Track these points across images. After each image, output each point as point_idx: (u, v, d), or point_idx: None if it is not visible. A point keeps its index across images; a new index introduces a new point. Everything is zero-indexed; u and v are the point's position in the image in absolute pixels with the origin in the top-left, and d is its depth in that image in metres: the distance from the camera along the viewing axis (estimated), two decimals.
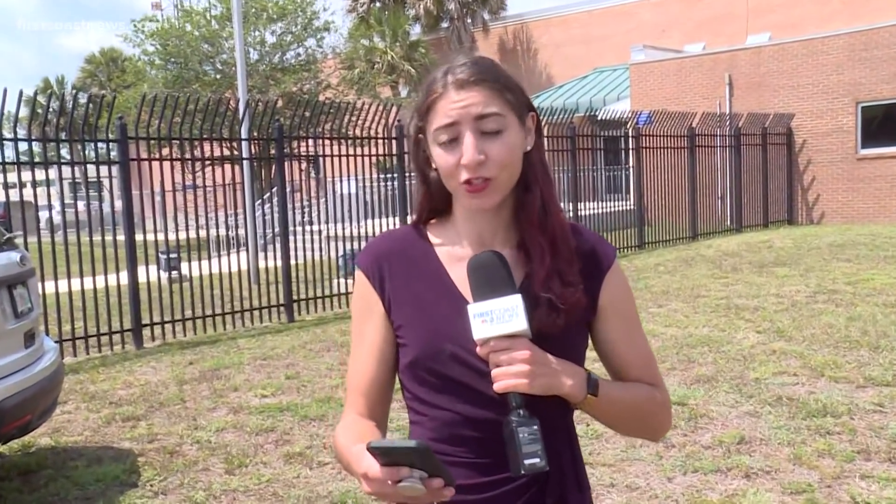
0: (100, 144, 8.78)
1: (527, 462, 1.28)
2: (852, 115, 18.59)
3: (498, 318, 1.32)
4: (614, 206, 16.66)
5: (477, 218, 1.47)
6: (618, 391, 1.46)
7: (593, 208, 15.16)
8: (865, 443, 4.57)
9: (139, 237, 9.02)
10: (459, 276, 1.45)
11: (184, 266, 11.44)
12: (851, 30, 18.93)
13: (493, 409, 1.38)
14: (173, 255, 11.89)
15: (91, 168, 9.43)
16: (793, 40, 19.78)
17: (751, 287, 9.86)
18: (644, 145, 16.07)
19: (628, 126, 16.30)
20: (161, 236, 10.05)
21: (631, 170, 16.92)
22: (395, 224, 11.17)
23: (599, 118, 16.29)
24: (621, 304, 1.51)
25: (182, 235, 10.28)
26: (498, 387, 1.32)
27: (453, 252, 1.49)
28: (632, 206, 16.42)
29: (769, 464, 4.36)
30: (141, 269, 9.02)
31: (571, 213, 14.20)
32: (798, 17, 24.61)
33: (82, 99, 27.19)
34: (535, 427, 1.30)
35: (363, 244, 11.23)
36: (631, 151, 16.48)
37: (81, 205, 18.36)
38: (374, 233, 11.20)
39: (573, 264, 1.43)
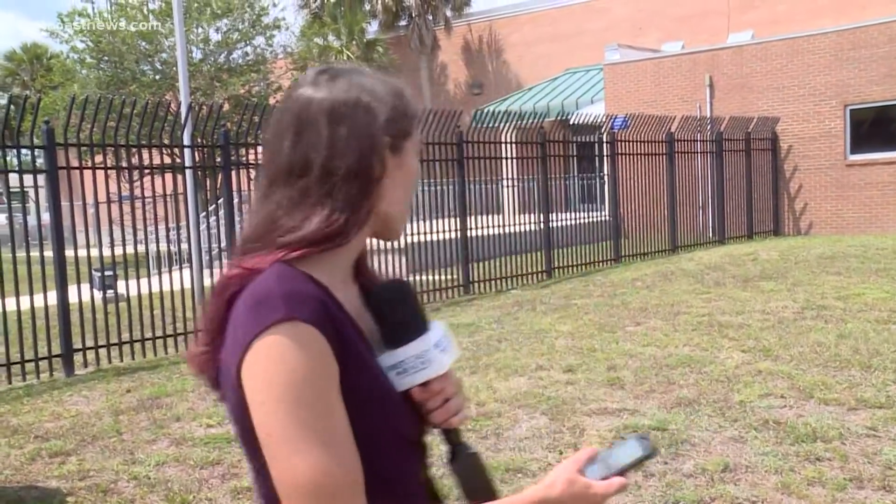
0: (24, 151, 8.68)
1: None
2: (841, 119, 18.91)
3: (412, 367, 1.28)
4: (588, 217, 16.75)
5: (354, 253, 1.35)
6: None
7: (565, 220, 15.24)
8: (858, 469, 4.64)
9: (69, 253, 8.90)
10: (368, 324, 1.32)
11: (120, 284, 11.30)
12: (839, 28, 19.28)
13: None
14: (108, 273, 11.73)
15: (14, 177, 9.32)
16: (777, 39, 20.12)
17: (735, 303, 9.99)
18: (620, 151, 16.21)
19: (603, 131, 16.45)
20: (94, 252, 9.93)
21: (606, 178, 17.07)
22: None
23: (572, 123, 16.39)
24: None
25: (118, 251, 10.17)
26: (448, 422, 1.34)
27: (346, 297, 1.30)
28: (607, 217, 16.55)
29: (756, 493, 4.41)
30: (72, 289, 8.89)
31: (542, 225, 14.31)
32: (783, 14, 25.03)
33: (2, 100, 26.90)
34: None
35: None
36: (605, 158, 16.61)
37: (3, 217, 18.09)
38: None
39: None
